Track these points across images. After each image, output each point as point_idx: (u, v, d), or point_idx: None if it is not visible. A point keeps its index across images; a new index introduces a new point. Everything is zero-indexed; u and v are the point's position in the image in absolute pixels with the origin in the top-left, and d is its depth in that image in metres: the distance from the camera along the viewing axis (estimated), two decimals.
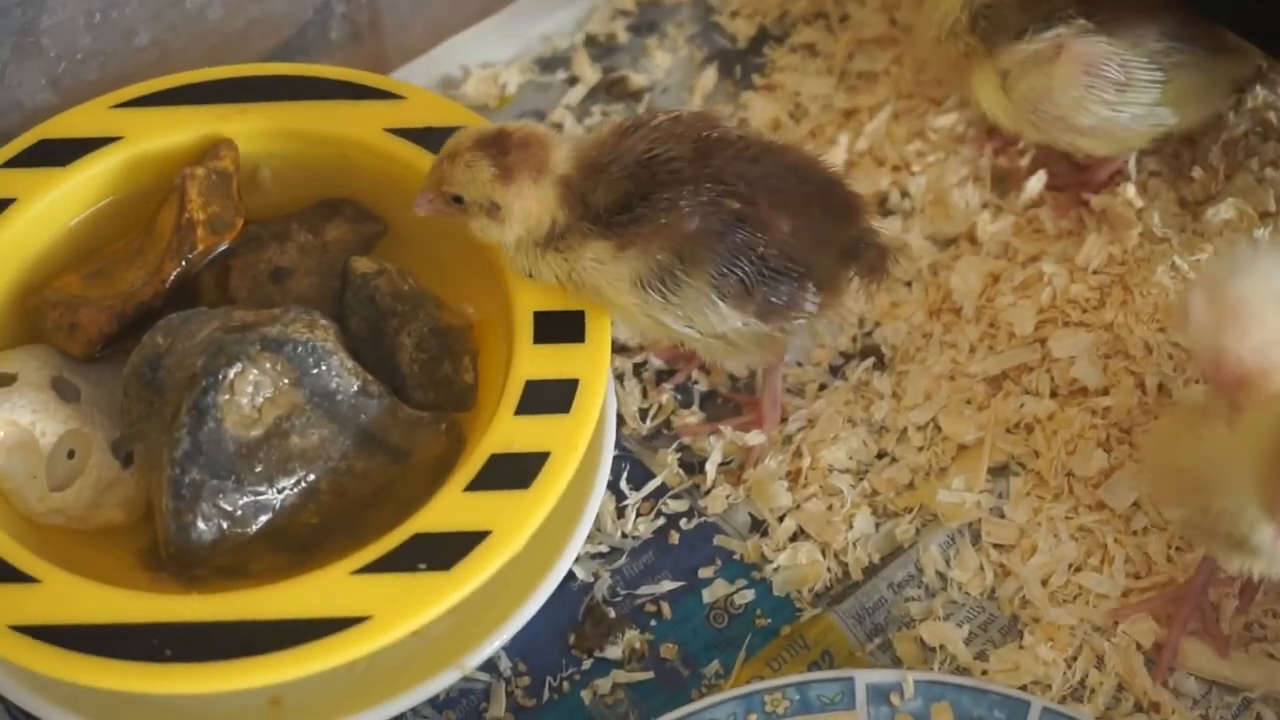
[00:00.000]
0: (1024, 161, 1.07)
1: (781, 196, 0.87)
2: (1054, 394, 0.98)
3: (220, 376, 0.85)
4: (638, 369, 1.01)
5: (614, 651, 0.90)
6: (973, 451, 0.96)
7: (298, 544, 0.86)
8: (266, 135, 0.96)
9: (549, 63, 1.16)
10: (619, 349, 1.01)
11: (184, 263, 0.93)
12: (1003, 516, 0.94)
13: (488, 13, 1.18)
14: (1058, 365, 0.98)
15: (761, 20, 1.18)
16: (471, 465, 0.83)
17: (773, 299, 0.87)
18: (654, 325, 0.88)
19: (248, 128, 0.96)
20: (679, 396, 1.00)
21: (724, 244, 0.86)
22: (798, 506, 0.95)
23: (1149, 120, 0.98)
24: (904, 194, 1.08)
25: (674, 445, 0.98)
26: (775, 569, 0.93)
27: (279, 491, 0.86)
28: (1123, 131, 0.99)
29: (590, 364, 0.87)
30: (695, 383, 1.01)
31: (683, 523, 0.95)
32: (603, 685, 0.89)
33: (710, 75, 1.15)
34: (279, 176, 0.98)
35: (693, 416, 0.99)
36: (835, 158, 1.08)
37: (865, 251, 0.90)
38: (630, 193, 0.86)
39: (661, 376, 1.01)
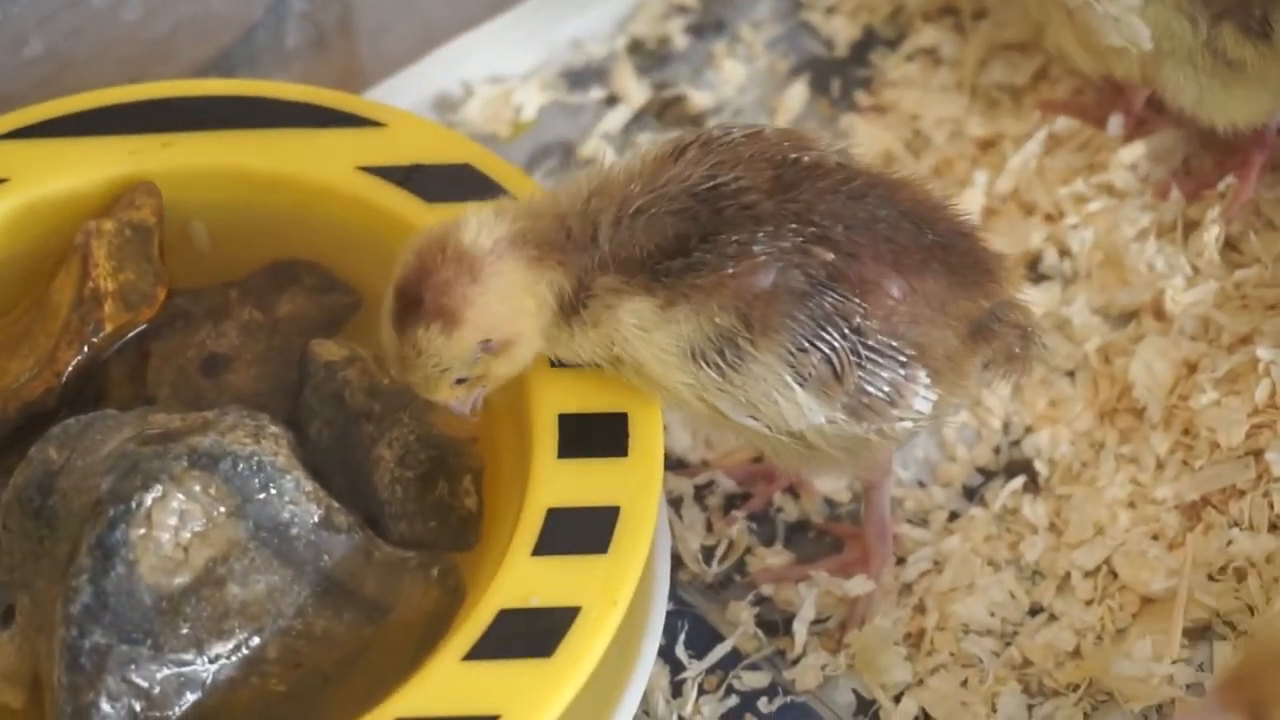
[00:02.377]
0: (1215, 212, 1.07)
1: (892, 249, 0.87)
2: (1274, 527, 0.97)
3: (133, 504, 0.85)
4: (700, 492, 1.01)
5: None
6: (1162, 606, 0.96)
7: None
8: (199, 177, 0.97)
9: (580, 76, 1.17)
10: (674, 464, 1.02)
11: (86, 348, 0.93)
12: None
13: (497, 9, 1.19)
14: (1279, 487, 0.98)
15: (868, 19, 1.19)
16: (474, 625, 0.83)
17: (869, 389, 0.87)
18: (712, 415, 0.88)
19: (174, 166, 0.97)
20: (756, 529, 1.00)
21: (808, 309, 0.86)
22: (920, 682, 0.95)
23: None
24: (1063, 252, 1.08)
25: (750, 596, 0.97)
26: None
27: (211, 661, 0.86)
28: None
29: (636, 486, 0.87)
30: (779, 510, 1.01)
31: (762, 703, 0.95)
32: None
33: (798, 93, 1.15)
34: (216, 232, 0.98)
35: (776, 557, 0.99)
36: (969, 203, 1.08)
37: (1001, 332, 0.90)
38: (683, 235, 0.86)
39: (733, 502, 1.01)
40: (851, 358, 0.86)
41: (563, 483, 0.87)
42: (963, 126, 1.13)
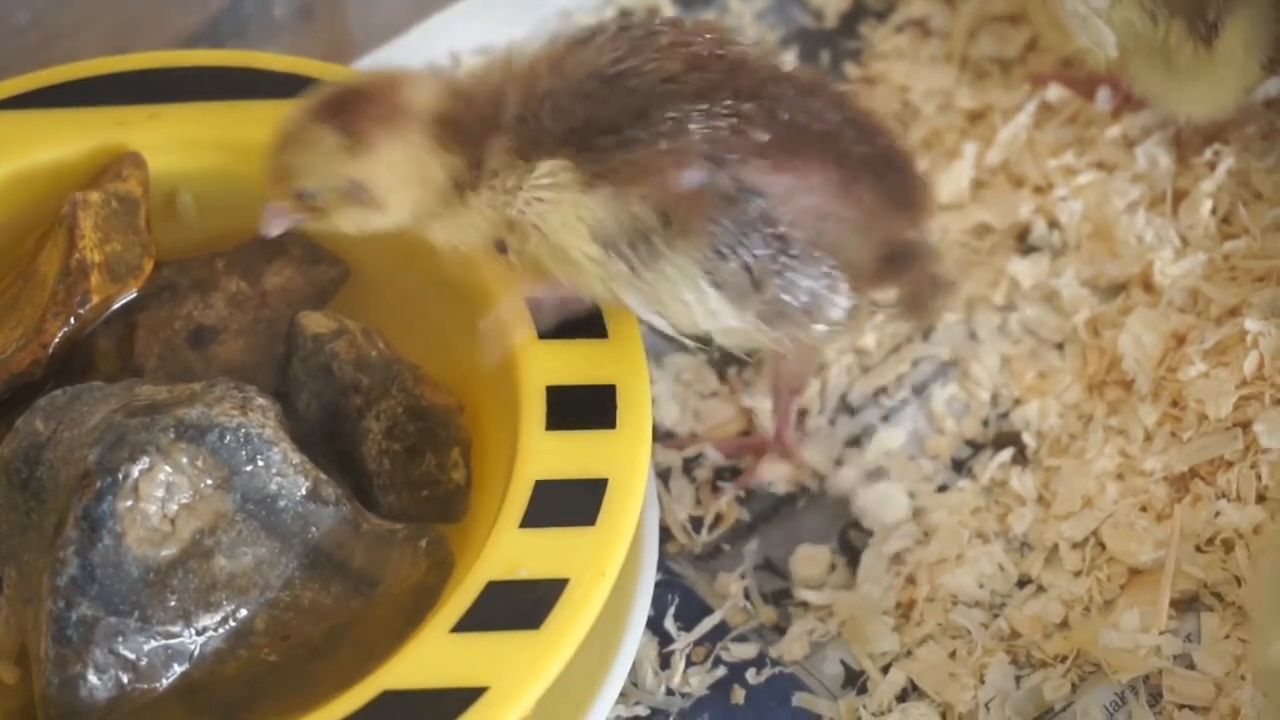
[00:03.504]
0: (1211, 182, 1.07)
1: (834, 149, 0.86)
2: (1262, 498, 0.97)
3: (120, 476, 0.85)
4: (689, 465, 1.01)
5: None
6: (1149, 578, 0.96)
7: (224, 705, 0.86)
8: (186, 148, 0.97)
9: None
10: (662, 437, 1.01)
11: (73, 320, 0.93)
12: (1192, 667, 0.94)
13: None
14: (1267, 458, 0.98)
15: None
16: (462, 597, 0.83)
17: (787, 297, 0.86)
18: (613, 300, 0.88)
19: (161, 138, 0.97)
20: (745, 501, 1.00)
21: (731, 214, 0.84)
22: (909, 653, 0.95)
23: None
24: (1052, 224, 1.08)
25: (739, 571, 0.97)
26: None
27: (199, 633, 0.86)
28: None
29: (624, 458, 0.87)
30: (771, 485, 1.01)
31: (750, 674, 0.95)
32: None
33: (787, 64, 1.14)
34: (203, 203, 0.98)
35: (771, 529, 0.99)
36: (960, 175, 1.09)
37: (917, 272, 0.89)
38: (596, 118, 0.85)
39: (721, 474, 1.01)
40: (771, 266, 0.85)
41: (550, 455, 0.87)
42: (952, 98, 1.13)
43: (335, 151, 0.86)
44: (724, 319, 0.86)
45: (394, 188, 0.87)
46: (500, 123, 0.86)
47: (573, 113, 0.85)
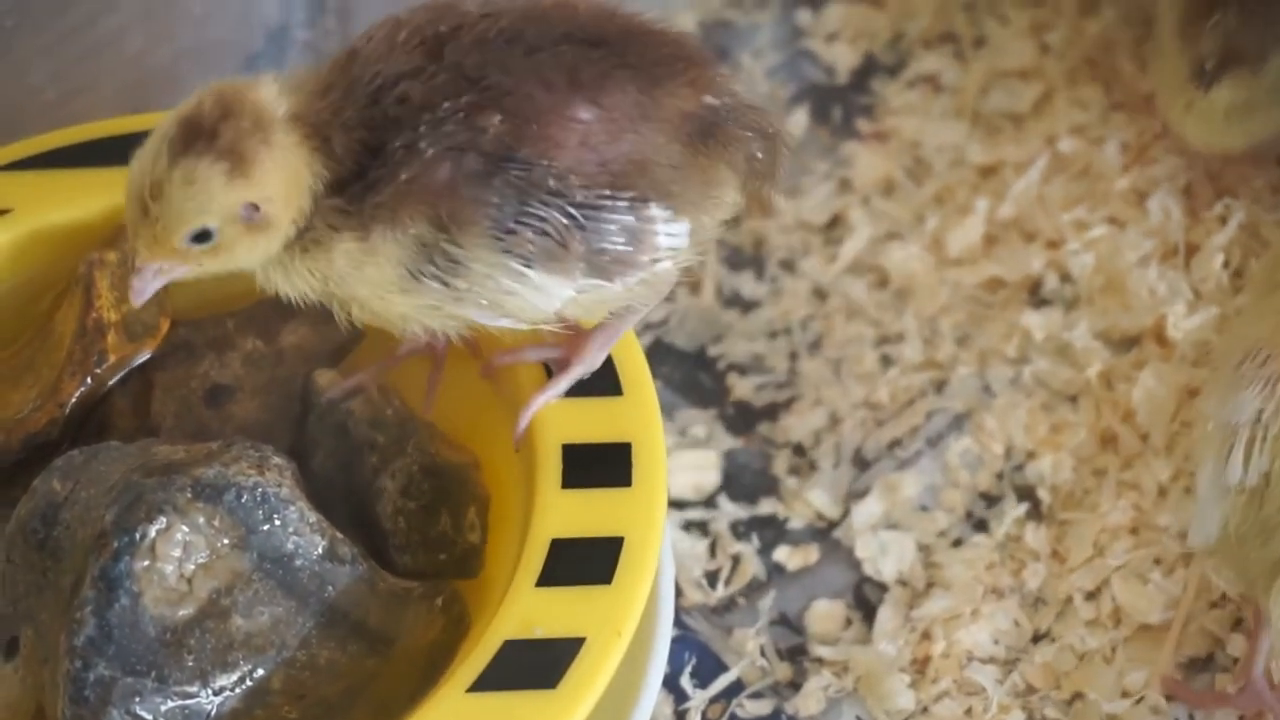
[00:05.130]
0: (1223, 235, 1.07)
1: (563, 77, 0.80)
2: None
3: (137, 535, 0.85)
4: (702, 521, 1.01)
5: None
6: (1161, 633, 0.96)
7: None
8: None
9: None
10: (676, 497, 1.01)
11: (90, 379, 0.93)
12: None
13: None
14: None
15: (868, 45, 1.19)
16: (479, 656, 0.83)
17: (604, 245, 0.81)
18: (462, 326, 0.83)
19: None
20: (761, 546, 1.00)
21: (494, 188, 0.80)
22: (925, 710, 0.95)
23: None
24: (1064, 277, 1.08)
25: (754, 627, 0.97)
26: None
27: (216, 693, 0.85)
28: None
29: (640, 516, 0.86)
30: (786, 519, 1.01)
31: None
32: None
33: (799, 120, 1.15)
34: None
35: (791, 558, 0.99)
36: (970, 230, 1.09)
37: (735, 133, 0.82)
38: (365, 147, 0.81)
39: (737, 529, 1.01)
40: (564, 220, 0.80)
41: (566, 513, 0.86)
42: (964, 153, 1.13)
43: (220, 180, 0.80)
44: (558, 289, 0.81)
45: (284, 198, 0.81)
46: (345, 119, 0.81)
47: (338, 150, 0.81)
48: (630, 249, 0.81)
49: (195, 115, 0.80)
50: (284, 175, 0.81)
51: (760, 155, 0.83)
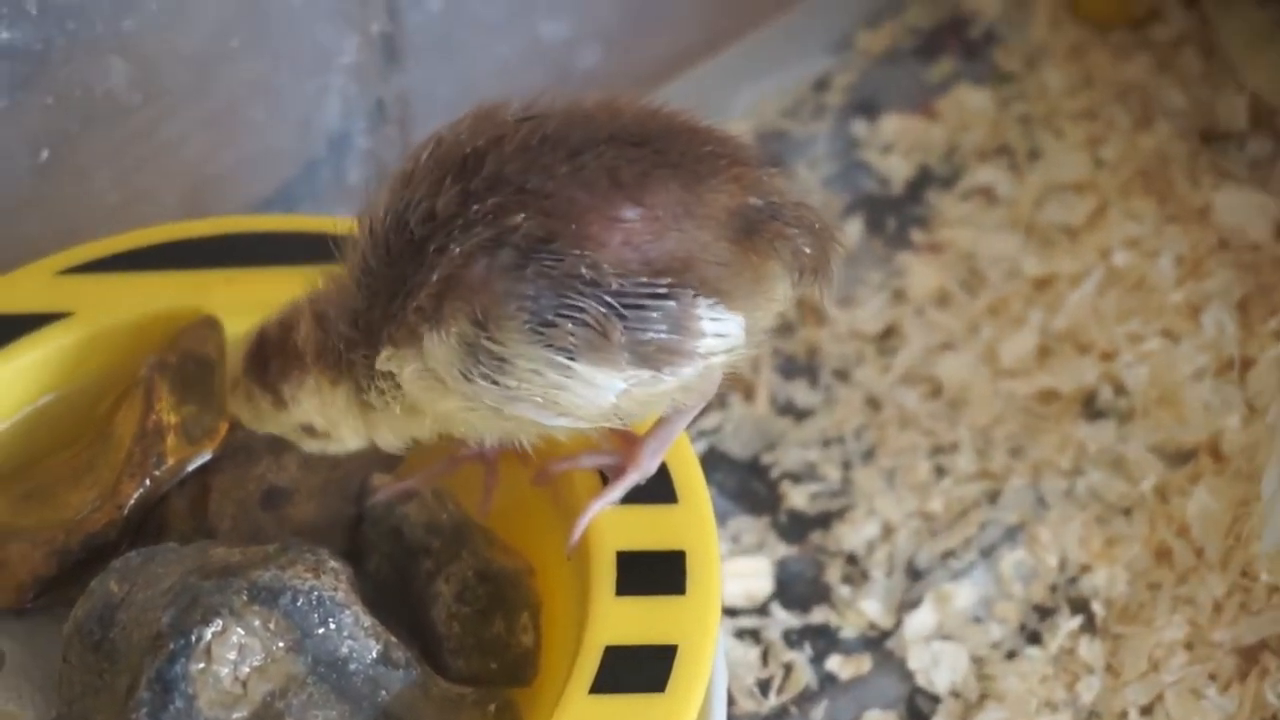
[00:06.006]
0: (1278, 348, 1.07)
1: (605, 178, 0.79)
2: None
3: (193, 638, 0.85)
4: (754, 629, 1.01)
5: None
6: None
7: None
8: (261, 312, 0.96)
9: None
10: (729, 604, 1.01)
11: (148, 481, 0.93)
12: None
13: None
14: None
15: (923, 157, 1.19)
16: None
17: (645, 333, 0.80)
18: (529, 428, 0.83)
19: (236, 301, 0.97)
20: (814, 657, 1.00)
21: (527, 280, 0.79)
22: None
23: None
24: (1118, 390, 1.08)
25: None
26: None
27: None
28: None
29: (694, 624, 0.86)
30: (839, 629, 1.00)
31: None
32: None
33: (854, 230, 1.16)
34: None
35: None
36: (1024, 341, 1.09)
37: (781, 229, 0.81)
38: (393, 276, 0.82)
39: (790, 637, 1.01)
40: (600, 309, 0.78)
41: (620, 620, 0.86)
42: (1018, 265, 1.13)
43: (269, 406, 0.87)
44: (606, 381, 0.80)
45: (334, 421, 0.87)
46: (350, 334, 0.84)
47: (377, 279, 0.83)
48: (676, 337, 0.80)
49: (261, 341, 0.87)
50: (321, 409, 0.86)
51: (809, 250, 0.82)
